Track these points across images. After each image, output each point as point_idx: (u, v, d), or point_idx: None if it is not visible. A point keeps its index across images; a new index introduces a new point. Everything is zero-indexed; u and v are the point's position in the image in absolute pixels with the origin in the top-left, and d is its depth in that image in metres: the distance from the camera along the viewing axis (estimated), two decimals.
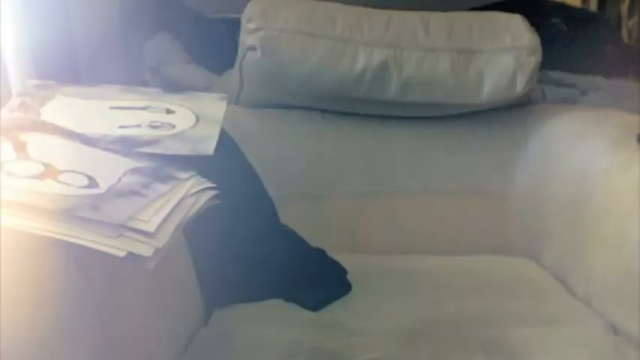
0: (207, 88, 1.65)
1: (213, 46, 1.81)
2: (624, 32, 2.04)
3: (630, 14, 2.06)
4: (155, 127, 1.10)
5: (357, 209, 1.52)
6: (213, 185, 1.03)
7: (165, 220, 0.89)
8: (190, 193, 0.99)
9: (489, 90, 1.48)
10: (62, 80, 1.24)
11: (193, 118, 1.16)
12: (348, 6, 1.53)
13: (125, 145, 1.04)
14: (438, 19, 1.51)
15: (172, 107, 1.18)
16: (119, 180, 0.94)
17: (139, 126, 1.10)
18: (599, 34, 1.85)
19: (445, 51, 1.47)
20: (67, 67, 1.46)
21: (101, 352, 0.82)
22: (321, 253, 1.33)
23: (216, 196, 1.02)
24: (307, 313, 1.19)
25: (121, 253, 0.81)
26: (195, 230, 1.05)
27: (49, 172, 0.90)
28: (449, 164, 1.55)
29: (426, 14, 1.52)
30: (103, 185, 0.91)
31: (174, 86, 1.63)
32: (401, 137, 1.56)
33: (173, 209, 0.93)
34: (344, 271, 1.31)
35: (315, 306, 1.20)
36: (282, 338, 1.09)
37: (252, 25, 1.46)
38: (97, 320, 0.82)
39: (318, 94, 1.50)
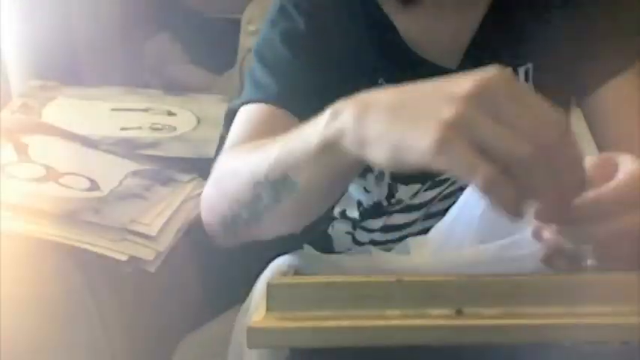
0: (207, 89, 1.64)
1: (213, 46, 1.80)
2: None
3: None
4: (156, 129, 1.10)
5: None
6: None
7: (166, 223, 0.89)
8: (192, 195, 0.99)
9: None
10: (62, 80, 1.24)
11: (194, 121, 1.15)
12: None
13: (126, 147, 1.04)
14: None
15: (173, 109, 1.18)
16: (120, 183, 0.94)
17: (140, 128, 1.10)
18: None
19: None
20: (67, 68, 1.45)
21: (101, 355, 0.82)
22: None
23: None
24: None
25: (123, 257, 0.81)
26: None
27: (50, 174, 0.90)
28: None
29: None
30: (105, 188, 0.91)
31: (174, 86, 1.63)
32: None
33: (175, 212, 0.93)
34: None
35: None
36: None
37: (252, 27, 1.45)
38: (97, 323, 0.82)
39: None
